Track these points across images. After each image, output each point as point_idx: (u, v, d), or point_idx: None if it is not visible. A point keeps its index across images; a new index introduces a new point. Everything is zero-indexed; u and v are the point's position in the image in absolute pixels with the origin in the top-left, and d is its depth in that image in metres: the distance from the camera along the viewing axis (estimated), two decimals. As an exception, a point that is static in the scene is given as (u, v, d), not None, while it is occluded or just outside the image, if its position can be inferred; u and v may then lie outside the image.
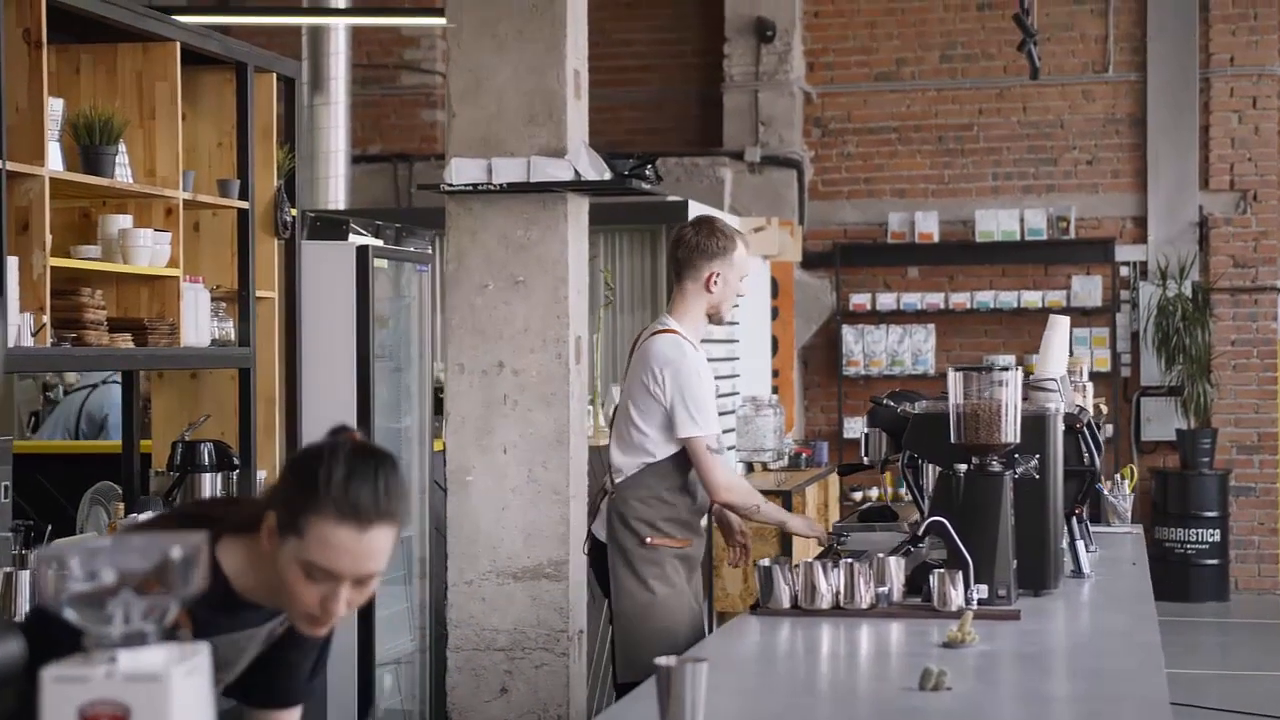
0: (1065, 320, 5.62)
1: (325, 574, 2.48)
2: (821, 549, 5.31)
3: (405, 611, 6.78)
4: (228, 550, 2.62)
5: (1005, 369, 4.42)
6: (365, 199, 12.54)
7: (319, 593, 2.50)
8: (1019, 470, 4.47)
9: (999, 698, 3.35)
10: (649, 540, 5.02)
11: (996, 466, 4.39)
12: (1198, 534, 12.18)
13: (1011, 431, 4.38)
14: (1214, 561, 12.23)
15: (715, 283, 5.11)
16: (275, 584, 2.56)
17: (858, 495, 11.96)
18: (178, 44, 5.10)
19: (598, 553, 5.20)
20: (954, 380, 4.41)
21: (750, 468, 10.24)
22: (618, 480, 5.07)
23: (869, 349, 12.87)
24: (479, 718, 5.67)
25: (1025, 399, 5.06)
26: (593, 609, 6.84)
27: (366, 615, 6.24)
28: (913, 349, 12.79)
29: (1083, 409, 5.60)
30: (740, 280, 5.20)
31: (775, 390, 12.11)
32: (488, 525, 5.63)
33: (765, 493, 9.01)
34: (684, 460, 5.06)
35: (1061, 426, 4.71)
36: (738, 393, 10.23)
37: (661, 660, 2.72)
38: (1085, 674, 3.74)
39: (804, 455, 10.73)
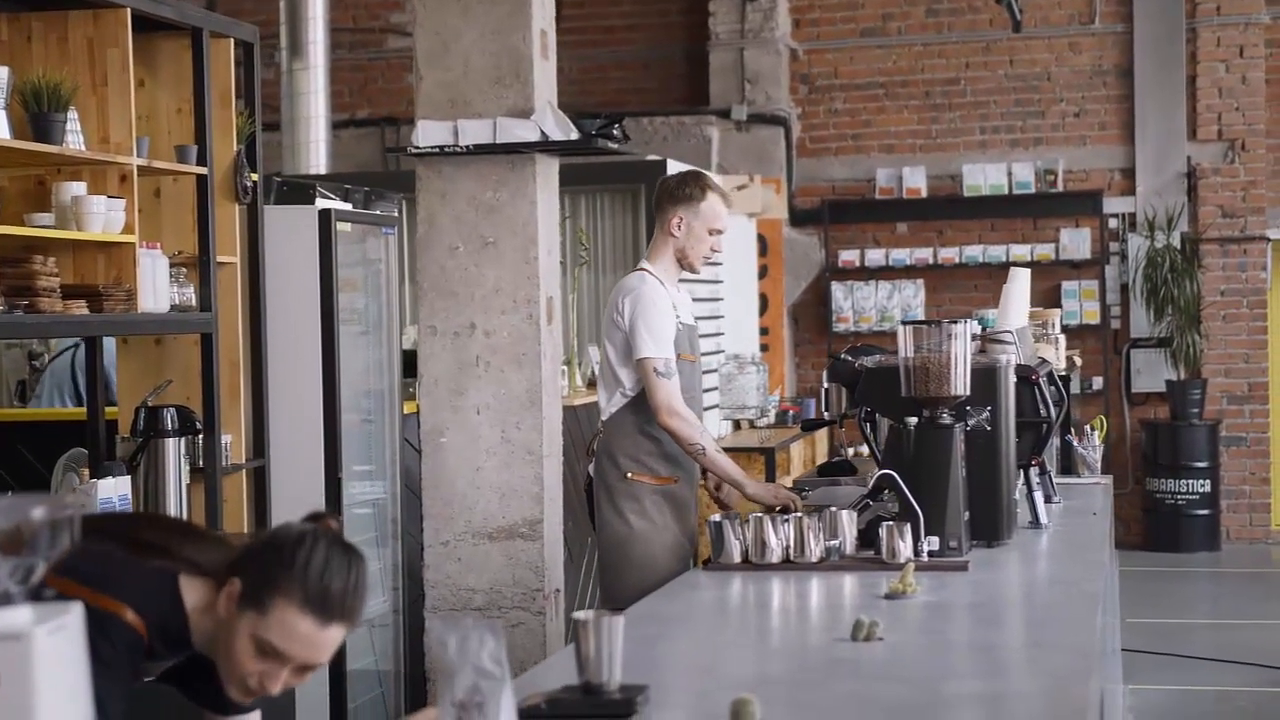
0: (1025, 273, 5.63)
1: (275, 654, 2.56)
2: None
3: (379, 572, 6.80)
4: (189, 589, 2.65)
5: (954, 322, 4.43)
6: (352, 163, 12.54)
7: (261, 669, 2.58)
8: (970, 422, 4.49)
9: (926, 646, 3.37)
10: (629, 475, 5.19)
11: (947, 419, 4.41)
12: (1188, 484, 12.20)
13: (961, 384, 4.39)
14: (1205, 512, 12.25)
15: (679, 227, 5.29)
16: (220, 642, 2.61)
17: (850, 451, 11.97)
18: (128, 10, 5.09)
19: (590, 487, 5.38)
20: (903, 334, 4.43)
21: (737, 425, 10.27)
22: (603, 419, 5.28)
23: (858, 305, 12.87)
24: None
25: (982, 351, 5.08)
26: (570, 568, 6.87)
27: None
28: (902, 304, 12.79)
29: (1045, 361, 5.61)
30: (710, 233, 5.32)
31: (765, 348, 12.14)
32: (463, 486, 5.65)
33: (748, 450, 9.11)
34: None
35: (1013, 378, 4.71)
36: (722, 351, 10.24)
37: (579, 614, 2.74)
38: (1020, 622, 3.77)
39: (791, 412, 10.75)
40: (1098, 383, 12.54)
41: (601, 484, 5.27)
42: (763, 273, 12.32)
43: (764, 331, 12.31)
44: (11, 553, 1.72)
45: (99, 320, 4.95)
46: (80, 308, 4.84)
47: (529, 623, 5.71)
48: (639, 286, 5.22)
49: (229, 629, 2.58)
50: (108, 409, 5.70)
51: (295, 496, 6.18)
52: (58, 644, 1.72)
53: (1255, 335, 12.59)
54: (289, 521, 2.69)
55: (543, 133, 5.59)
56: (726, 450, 8.81)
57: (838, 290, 12.89)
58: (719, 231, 5.35)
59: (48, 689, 1.71)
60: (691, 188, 5.33)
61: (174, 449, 5.34)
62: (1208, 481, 12.23)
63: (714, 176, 5.87)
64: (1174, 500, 12.24)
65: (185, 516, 5.51)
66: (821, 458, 10.89)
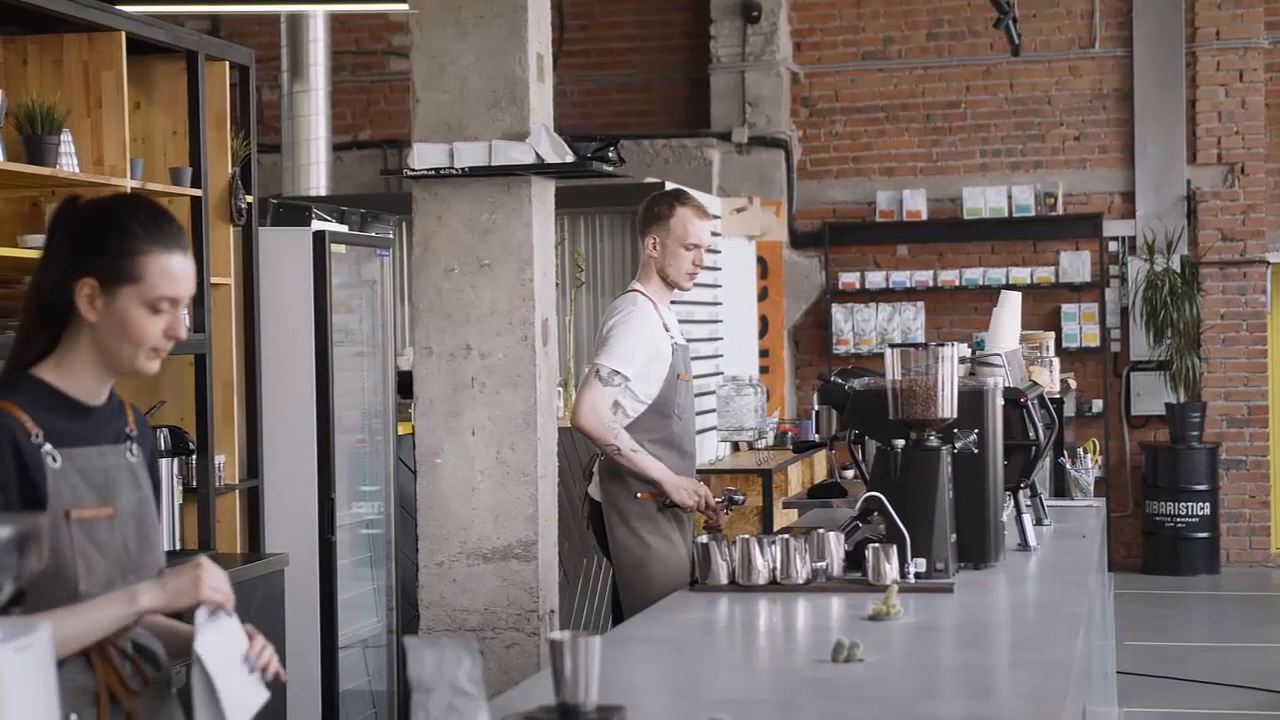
0: (1016, 296, 5.64)
1: (169, 302, 2.77)
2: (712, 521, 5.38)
3: (371, 593, 6.82)
4: (44, 371, 2.79)
5: (942, 345, 4.44)
6: (354, 185, 12.58)
7: (161, 324, 2.77)
8: (957, 445, 4.50)
9: (906, 668, 3.38)
10: (639, 495, 5.25)
11: (934, 441, 4.42)
12: (1188, 507, 12.20)
13: (948, 407, 4.40)
14: (1204, 535, 12.24)
15: (655, 247, 5.41)
16: (106, 344, 2.76)
17: (850, 473, 11.96)
18: (123, 33, 5.13)
19: (595, 513, 5.43)
20: (891, 357, 4.44)
21: (735, 447, 10.28)
22: None
23: (859, 327, 12.89)
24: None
25: (971, 374, 5.09)
26: (564, 589, 6.88)
27: (329, 597, 6.29)
28: (902, 327, 12.81)
29: (1036, 384, 5.63)
30: (686, 248, 5.37)
31: (765, 370, 12.15)
32: (457, 507, 5.66)
33: (746, 471, 9.12)
34: (663, 411, 5.33)
35: (1001, 401, 4.73)
36: (721, 372, 10.26)
37: (554, 635, 2.76)
38: (1001, 644, 3.78)
39: (790, 434, 10.76)
40: (1097, 405, 12.55)
41: (612, 506, 5.32)
42: (763, 295, 12.35)
43: (764, 353, 12.33)
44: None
45: (91, 341, 4.96)
46: (73, 328, 4.86)
47: (523, 644, 5.72)
48: (629, 308, 5.33)
49: (109, 322, 2.74)
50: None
51: (288, 517, 6.21)
52: (25, 661, 1.74)
53: (1255, 359, 12.60)
54: (66, 208, 2.82)
55: (538, 155, 5.62)
56: (726, 471, 8.82)
57: (838, 312, 12.91)
58: (696, 246, 5.39)
59: (15, 705, 1.73)
60: (660, 206, 5.43)
61: (167, 470, 5.36)
62: (1207, 504, 12.23)
63: (703, 196, 5.88)
64: (1174, 523, 12.24)
65: (179, 537, 5.53)
66: (822, 477, 10.89)
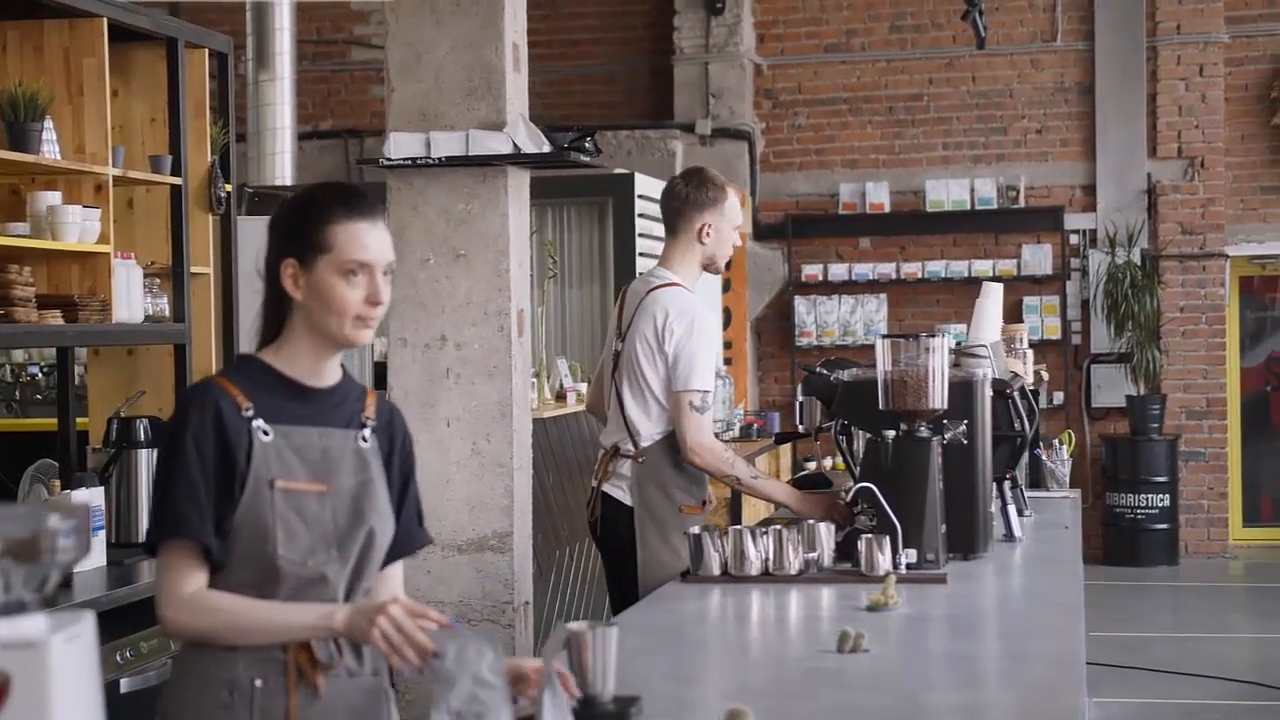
0: (998, 288, 5.66)
1: (362, 267, 2.84)
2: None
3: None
4: (267, 355, 2.92)
5: (932, 336, 4.45)
6: (316, 175, 12.51)
7: (361, 291, 2.84)
8: (947, 436, 4.51)
9: (912, 658, 3.39)
10: (683, 509, 4.98)
11: (924, 432, 4.43)
12: (1147, 499, 12.29)
13: (938, 398, 4.41)
14: (1163, 526, 12.34)
15: (708, 234, 5.01)
16: (316, 316, 2.85)
17: (812, 465, 12.00)
18: (104, 20, 5.08)
19: (618, 516, 5.06)
20: (881, 347, 4.45)
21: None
22: (644, 444, 4.97)
23: (821, 319, 12.92)
24: (426, 689, 5.69)
25: (956, 365, 5.10)
26: (539, 581, 6.86)
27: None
28: (865, 319, 12.85)
29: (1017, 375, 5.65)
30: (734, 230, 5.08)
31: (729, 362, 12.16)
32: (432, 499, 5.63)
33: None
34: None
35: (990, 393, 4.74)
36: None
37: (572, 625, 2.74)
38: (1002, 634, 3.79)
39: (755, 426, 10.77)
40: (1059, 398, 12.62)
41: (648, 514, 4.98)
42: (726, 286, 12.36)
43: (727, 345, 12.34)
44: (26, 560, 1.72)
45: (73, 331, 4.92)
46: (55, 318, 4.82)
47: (499, 635, 5.71)
48: (693, 311, 4.93)
49: (312, 296, 2.84)
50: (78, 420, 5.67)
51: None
52: (73, 652, 1.72)
53: (1214, 351, 12.70)
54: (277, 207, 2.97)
55: (515, 145, 5.60)
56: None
57: (801, 304, 12.94)
58: (739, 226, 5.11)
59: (62, 696, 1.71)
60: (712, 190, 5.03)
61: (147, 460, 5.29)
62: (1167, 496, 12.33)
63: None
64: (1133, 514, 12.33)
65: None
66: (786, 470, 10.91)
